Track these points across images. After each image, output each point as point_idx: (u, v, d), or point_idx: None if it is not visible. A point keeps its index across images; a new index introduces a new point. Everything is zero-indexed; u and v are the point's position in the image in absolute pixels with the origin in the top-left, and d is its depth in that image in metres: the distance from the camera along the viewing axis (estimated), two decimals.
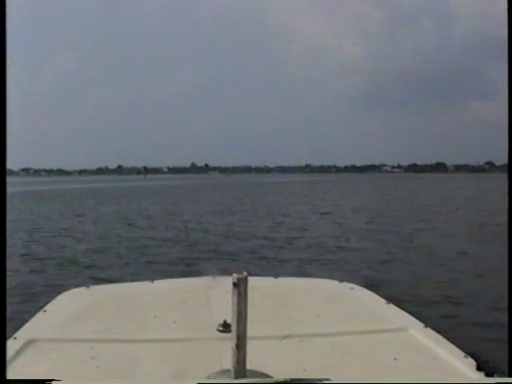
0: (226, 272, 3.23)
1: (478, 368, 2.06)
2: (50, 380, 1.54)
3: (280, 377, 1.76)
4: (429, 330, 2.57)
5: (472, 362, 2.11)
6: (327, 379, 1.62)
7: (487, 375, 2.00)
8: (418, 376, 2.09)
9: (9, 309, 1.56)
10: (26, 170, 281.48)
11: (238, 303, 1.73)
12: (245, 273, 1.75)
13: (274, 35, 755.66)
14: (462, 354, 2.24)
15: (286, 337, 2.43)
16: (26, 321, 2.72)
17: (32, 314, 2.86)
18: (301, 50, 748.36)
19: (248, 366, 1.78)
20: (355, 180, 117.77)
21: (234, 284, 1.73)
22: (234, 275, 1.73)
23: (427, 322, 2.67)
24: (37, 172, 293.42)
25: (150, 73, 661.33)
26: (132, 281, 4.25)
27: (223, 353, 2.07)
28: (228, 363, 1.81)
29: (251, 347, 1.78)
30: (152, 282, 3.55)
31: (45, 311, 2.92)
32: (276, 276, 3.77)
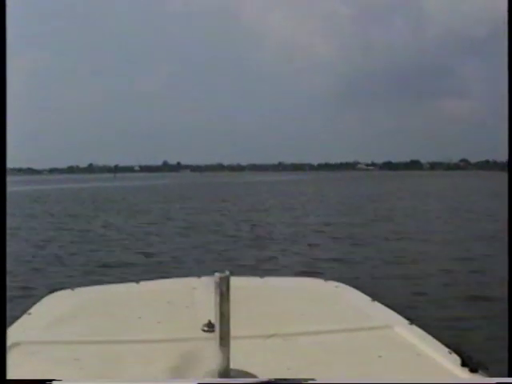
0: (211, 273, 2.84)
1: (463, 364, 2.08)
2: (51, 380, 1.56)
3: (264, 376, 1.83)
4: (414, 327, 2.58)
5: (456, 358, 2.13)
6: (312, 379, 1.65)
7: (471, 371, 2.03)
8: (402, 373, 2.10)
9: None
10: None
11: (221, 302, 1.75)
12: (227, 272, 1.76)
13: (246, 31, 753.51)
14: (447, 350, 2.26)
15: (270, 336, 2.44)
16: (11, 323, 2.68)
17: (17, 317, 2.82)
18: (273, 46, 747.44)
19: (232, 366, 1.80)
20: (332, 179, 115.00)
21: (216, 283, 1.75)
22: (216, 274, 1.75)
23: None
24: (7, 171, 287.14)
25: (121, 69, 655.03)
26: (117, 282, 4.07)
27: (208, 353, 2.04)
28: (212, 363, 1.82)
29: (236, 347, 1.80)
30: (137, 282, 3.56)
31: (29, 314, 2.91)
32: (261, 276, 3.78)
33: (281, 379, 1.74)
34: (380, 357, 2.23)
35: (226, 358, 1.77)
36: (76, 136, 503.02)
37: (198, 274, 3.63)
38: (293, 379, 1.71)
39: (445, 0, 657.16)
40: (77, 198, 52.55)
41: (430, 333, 2.51)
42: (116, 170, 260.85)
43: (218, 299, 1.76)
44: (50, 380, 1.56)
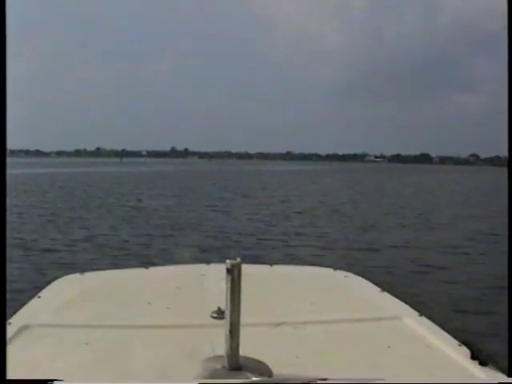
0: (220, 259, 3.03)
1: (473, 357, 2.06)
2: (51, 380, 1.56)
3: (273, 363, 1.84)
4: (423, 318, 2.57)
5: (466, 351, 2.11)
6: (324, 379, 1.62)
7: (481, 364, 2.01)
8: (411, 365, 2.09)
9: None
10: None
11: (232, 289, 1.75)
12: (238, 259, 1.76)
13: (256, 18, 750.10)
14: (456, 342, 2.25)
15: (279, 324, 2.44)
16: (21, 306, 2.72)
17: (27, 299, 2.85)
18: (284, 34, 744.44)
19: (241, 353, 1.81)
20: (352, 171, 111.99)
21: (228, 270, 1.74)
22: (228, 261, 1.75)
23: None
24: (13, 152, 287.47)
25: (131, 56, 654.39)
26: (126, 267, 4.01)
27: (217, 339, 2.04)
28: (221, 349, 1.83)
29: (245, 334, 1.81)
30: (147, 268, 3.55)
31: (39, 297, 2.92)
32: (271, 264, 3.77)
33: (292, 378, 1.77)
34: (389, 348, 2.21)
35: (236, 345, 1.77)
36: (85, 120, 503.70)
37: (207, 261, 3.62)
38: (303, 377, 1.70)
39: None
40: (66, 185, 45.92)
41: (439, 325, 2.48)
42: (122, 154, 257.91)
43: (229, 286, 1.75)
44: (51, 380, 1.56)
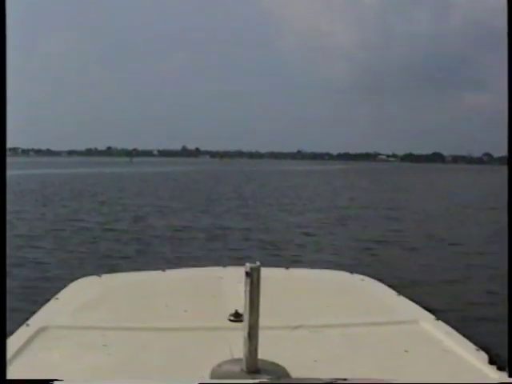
0: (237, 262, 3.38)
1: (490, 362, 2.04)
2: (52, 380, 1.56)
3: (291, 367, 1.87)
4: (440, 322, 2.56)
5: (484, 356, 2.10)
6: (343, 379, 1.63)
7: (499, 369, 1.99)
8: (429, 368, 2.09)
9: None
10: (13, 150, 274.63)
11: (251, 293, 1.76)
12: (258, 262, 1.78)
13: (267, 16, 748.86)
14: (474, 347, 2.24)
15: (296, 327, 2.43)
16: (39, 308, 2.74)
17: (45, 301, 2.88)
18: (294, 32, 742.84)
19: (259, 356, 1.81)
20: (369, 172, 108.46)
21: (247, 273, 1.75)
22: (247, 265, 1.76)
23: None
24: (25, 152, 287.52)
25: (142, 55, 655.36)
26: (143, 270, 4.03)
27: (234, 342, 2.06)
28: (239, 352, 1.85)
29: (262, 337, 1.81)
30: (164, 271, 3.56)
31: (57, 299, 2.94)
32: (287, 267, 3.74)
33: (311, 378, 1.77)
34: (406, 351, 2.21)
35: (254, 349, 1.79)
36: (96, 119, 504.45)
37: (224, 264, 3.64)
38: (321, 379, 1.68)
39: None
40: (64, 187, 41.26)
41: (456, 329, 2.47)
42: (133, 154, 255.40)
43: (248, 289, 1.76)
44: (52, 380, 1.57)
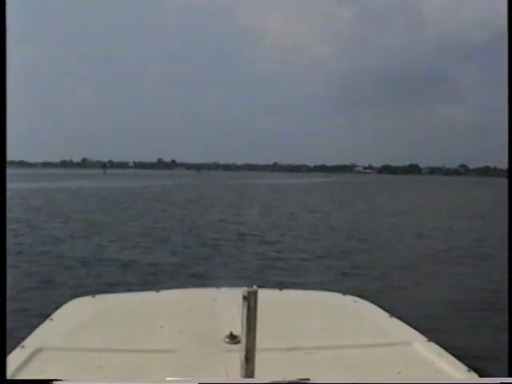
0: (230, 284, 3.41)
1: None
2: (52, 380, 1.58)
3: None
4: (432, 344, 2.59)
5: (475, 376, 2.15)
6: None
7: None
8: None
9: None
10: None
11: (248, 316, 1.76)
12: (255, 286, 1.78)
13: (244, 30, 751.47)
14: (465, 368, 2.28)
15: (291, 349, 2.45)
16: (34, 329, 2.73)
17: (39, 322, 2.85)
18: (271, 46, 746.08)
19: (255, 378, 1.83)
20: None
21: (244, 297, 1.76)
22: (244, 289, 1.76)
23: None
24: None
25: (117, 65, 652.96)
26: (137, 290, 3.94)
27: (230, 364, 2.09)
28: (235, 374, 1.87)
29: (257, 359, 1.82)
30: (157, 291, 3.56)
31: (51, 320, 2.93)
32: (280, 288, 3.74)
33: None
34: (399, 373, 2.23)
35: (251, 371, 1.79)
36: (71, 130, 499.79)
37: (218, 285, 3.61)
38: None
39: (445, 4, 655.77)
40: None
41: (448, 350, 2.50)
42: (106, 166, 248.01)
43: (245, 313, 1.76)
44: (51, 380, 1.57)
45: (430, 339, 2.64)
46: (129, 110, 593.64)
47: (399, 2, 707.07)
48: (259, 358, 1.83)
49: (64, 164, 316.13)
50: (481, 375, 2.11)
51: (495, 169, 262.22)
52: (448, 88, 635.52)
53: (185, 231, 22.14)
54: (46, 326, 2.84)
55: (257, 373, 1.80)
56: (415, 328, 2.84)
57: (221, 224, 25.06)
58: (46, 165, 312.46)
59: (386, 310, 3.19)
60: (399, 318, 3.02)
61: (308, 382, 1.71)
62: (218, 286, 3.60)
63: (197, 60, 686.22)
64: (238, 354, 1.82)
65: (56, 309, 3.15)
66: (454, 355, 2.43)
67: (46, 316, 2.97)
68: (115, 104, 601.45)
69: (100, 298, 3.43)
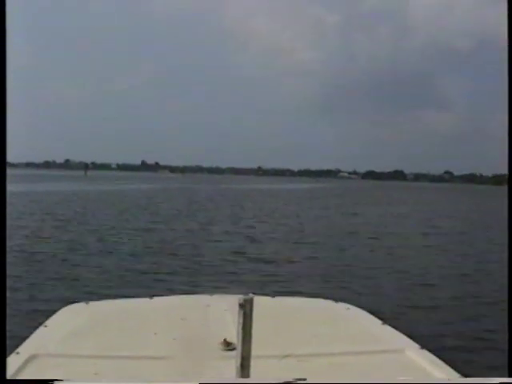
0: (223, 290, 3.58)
1: None
2: (52, 380, 1.57)
3: None
4: (425, 351, 2.61)
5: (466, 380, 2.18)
6: None
7: None
8: None
9: None
10: None
11: (244, 324, 1.77)
12: (251, 294, 1.80)
13: (228, 35, 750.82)
14: (458, 375, 2.30)
15: (285, 356, 2.46)
16: (28, 336, 2.72)
17: (33, 328, 2.83)
18: (256, 51, 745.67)
19: None
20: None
21: (241, 305, 1.77)
22: (241, 297, 1.78)
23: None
24: None
25: (101, 68, 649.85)
26: (131, 297, 3.99)
27: (224, 370, 2.10)
28: (229, 381, 1.88)
29: (252, 366, 1.83)
30: (151, 298, 3.56)
31: (45, 326, 2.93)
32: (273, 295, 3.77)
33: None
34: (393, 380, 2.20)
35: (247, 379, 1.80)
36: (55, 131, 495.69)
37: (211, 292, 3.61)
38: None
39: (430, 11, 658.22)
40: None
41: (440, 357, 2.51)
42: (87, 167, 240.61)
43: (241, 321, 1.77)
44: (51, 380, 1.58)
45: (423, 347, 2.66)
46: (113, 112, 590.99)
47: (386, 8, 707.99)
48: (253, 364, 1.83)
49: (47, 165, 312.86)
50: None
51: (481, 176, 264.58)
52: (434, 94, 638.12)
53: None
54: (41, 332, 2.85)
55: (251, 380, 1.82)
56: (408, 335, 2.86)
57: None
58: (29, 165, 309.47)
59: (378, 317, 3.21)
60: (391, 325, 3.04)
61: (305, 381, 1.71)
62: (210, 292, 3.61)
63: (179, 63, 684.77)
64: (232, 360, 1.83)
65: (50, 315, 3.14)
66: (446, 362, 2.45)
67: (40, 323, 2.96)
68: (99, 105, 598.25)
69: (93, 304, 3.45)
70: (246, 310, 1.74)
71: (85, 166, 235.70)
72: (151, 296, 3.59)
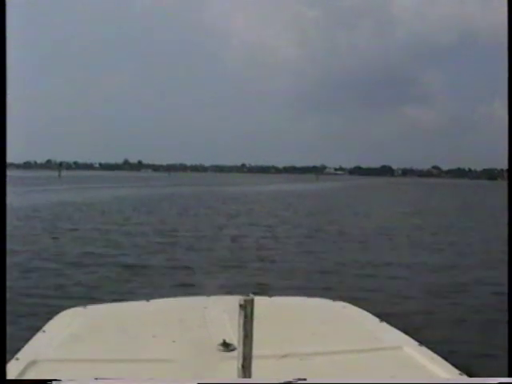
0: (220, 291, 3.51)
1: None
2: (51, 380, 1.59)
3: None
4: (423, 348, 2.60)
5: (467, 379, 2.16)
6: None
7: None
8: None
9: None
10: None
11: (245, 325, 1.76)
12: (251, 295, 1.79)
13: (209, 31, 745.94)
14: (457, 371, 2.29)
15: (285, 356, 2.46)
16: (26, 341, 2.69)
17: (31, 334, 2.80)
18: (237, 47, 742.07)
19: None
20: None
21: (241, 306, 1.77)
22: (241, 297, 1.77)
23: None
24: None
25: (83, 67, 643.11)
26: (128, 300, 3.96)
27: (225, 372, 2.10)
28: (231, 381, 1.88)
29: (252, 366, 1.83)
30: (148, 301, 3.55)
31: (44, 331, 2.92)
32: (270, 295, 3.77)
33: None
34: (392, 377, 2.22)
35: (248, 379, 1.80)
36: (35, 131, 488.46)
37: (208, 294, 3.57)
38: None
39: (413, 7, 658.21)
40: None
41: (439, 354, 2.49)
42: (61, 168, 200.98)
43: (241, 322, 1.77)
44: (50, 380, 1.58)
45: (421, 343, 2.64)
46: (95, 112, 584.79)
47: (367, 3, 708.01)
48: (254, 364, 1.83)
49: (27, 165, 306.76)
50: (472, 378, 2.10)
51: (470, 170, 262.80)
52: (417, 89, 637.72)
53: None
54: (39, 337, 2.83)
55: (253, 380, 1.82)
56: (406, 333, 2.83)
57: None
58: (9, 166, 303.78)
59: (374, 314, 3.19)
60: (389, 322, 3.01)
61: (305, 381, 1.72)
62: (207, 294, 3.59)
63: (160, 61, 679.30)
64: (232, 361, 1.85)
65: (47, 320, 3.11)
66: (445, 359, 2.43)
67: (38, 328, 2.93)
68: (82, 105, 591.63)
69: (91, 308, 3.41)
70: (247, 310, 1.74)
71: (59, 166, 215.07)
72: (148, 299, 3.54)
